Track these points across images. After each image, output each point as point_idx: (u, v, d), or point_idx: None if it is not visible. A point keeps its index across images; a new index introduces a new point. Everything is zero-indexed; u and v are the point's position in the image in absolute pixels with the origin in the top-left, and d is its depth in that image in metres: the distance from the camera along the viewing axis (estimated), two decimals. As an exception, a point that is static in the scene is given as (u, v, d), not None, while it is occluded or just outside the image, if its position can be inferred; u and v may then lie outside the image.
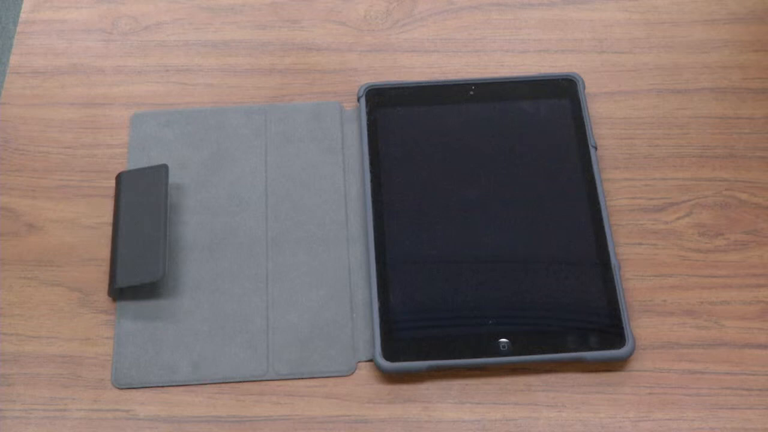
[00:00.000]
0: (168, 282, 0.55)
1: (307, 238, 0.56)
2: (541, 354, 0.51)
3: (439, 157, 0.58)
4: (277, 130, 0.60)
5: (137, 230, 0.55)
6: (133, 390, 0.52)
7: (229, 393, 0.52)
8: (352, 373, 0.52)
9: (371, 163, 0.58)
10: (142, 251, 0.54)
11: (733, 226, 0.57)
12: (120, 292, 0.54)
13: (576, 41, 0.64)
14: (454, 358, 0.52)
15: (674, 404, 0.51)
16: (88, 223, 0.57)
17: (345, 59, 0.64)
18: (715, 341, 0.53)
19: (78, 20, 0.65)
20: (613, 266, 0.54)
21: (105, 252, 0.56)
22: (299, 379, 0.52)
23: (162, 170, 0.56)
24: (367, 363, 0.53)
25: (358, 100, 0.61)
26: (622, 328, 0.52)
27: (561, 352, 0.52)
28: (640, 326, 0.54)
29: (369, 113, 0.60)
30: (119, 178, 0.57)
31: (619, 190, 0.58)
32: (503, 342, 0.52)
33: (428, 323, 0.53)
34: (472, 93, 0.61)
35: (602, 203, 0.56)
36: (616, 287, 0.53)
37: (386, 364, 0.51)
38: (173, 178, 0.58)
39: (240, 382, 0.52)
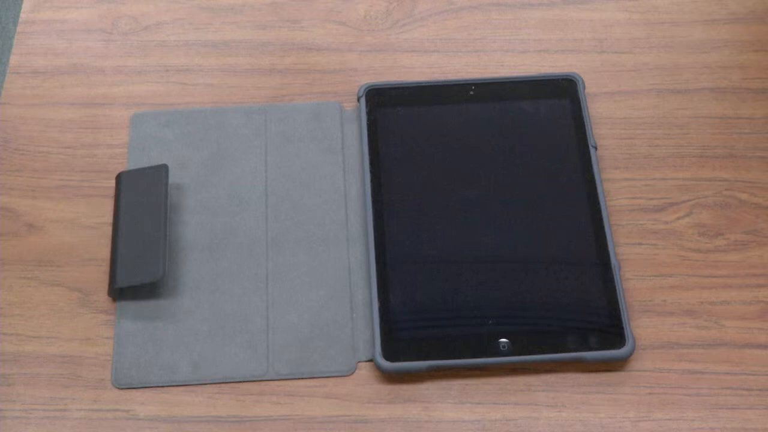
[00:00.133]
0: (168, 282, 0.55)
1: (307, 238, 0.56)
2: (541, 354, 0.51)
3: (439, 157, 0.58)
4: (277, 130, 0.60)
5: (137, 230, 0.55)
6: (133, 390, 0.52)
7: (229, 393, 0.52)
8: (352, 373, 0.52)
9: (371, 163, 0.58)
10: (142, 251, 0.54)
11: (733, 226, 0.57)
12: (120, 292, 0.54)
13: (576, 41, 0.64)
14: (454, 358, 0.51)
15: (674, 404, 0.51)
16: (88, 223, 0.57)
17: (345, 59, 0.64)
18: (715, 341, 0.53)
19: (78, 20, 0.65)
20: (613, 266, 0.54)
21: (105, 252, 0.56)
22: (299, 379, 0.52)
23: (162, 170, 0.56)
24: (367, 363, 0.53)
25: (358, 100, 0.61)
26: (622, 328, 0.52)
27: (561, 352, 0.51)
28: (640, 326, 0.54)
29: (369, 113, 0.60)
30: (119, 178, 0.57)
31: (619, 190, 0.58)
32: (503, 342, 0.52)
33: (428, 323, 0.53)
34: (472, 93, 0.61)
35: (602, 203, 0.56)
36: (616, 287, 0.53)
37: (386, 364, 0.51)
38: (173, 178, 0.58)
39: (240, 382, 0.52)
